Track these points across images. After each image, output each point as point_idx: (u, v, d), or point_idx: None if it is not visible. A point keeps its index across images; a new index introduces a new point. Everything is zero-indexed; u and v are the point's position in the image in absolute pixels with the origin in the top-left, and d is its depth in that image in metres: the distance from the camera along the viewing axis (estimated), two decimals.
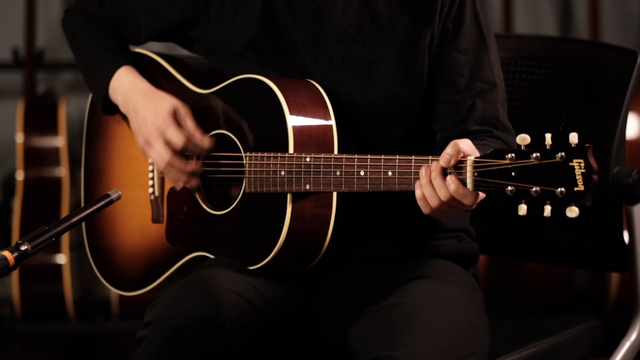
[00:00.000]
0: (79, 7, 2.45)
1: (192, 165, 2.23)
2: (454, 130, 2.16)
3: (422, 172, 1.93)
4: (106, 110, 2.35)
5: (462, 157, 1.90)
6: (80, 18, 2.42)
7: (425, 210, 1.96)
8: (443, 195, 1.92)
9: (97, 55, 2.36)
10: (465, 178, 1.88)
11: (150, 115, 2.24)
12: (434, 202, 1.94)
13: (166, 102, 2.24)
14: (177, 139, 2.21)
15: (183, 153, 2.23)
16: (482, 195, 1.91)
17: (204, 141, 2.22)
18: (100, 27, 2.39)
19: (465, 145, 1.91)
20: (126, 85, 2.30)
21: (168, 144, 2.22)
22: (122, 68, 2.31)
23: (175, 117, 2.23)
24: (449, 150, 1.91)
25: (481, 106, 2.15)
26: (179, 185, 2.26)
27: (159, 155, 2.22)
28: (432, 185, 1.93)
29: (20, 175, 4.19)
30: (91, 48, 2.37)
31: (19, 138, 4.21)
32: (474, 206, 1.93)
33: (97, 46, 2.36)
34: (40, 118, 4.26)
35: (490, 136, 2.14)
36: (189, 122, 2.23)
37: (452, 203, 1.92)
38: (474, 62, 2.16)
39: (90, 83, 2.39)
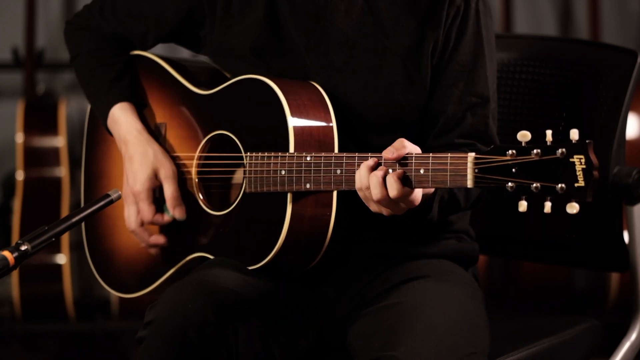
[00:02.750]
0: (81, 23, 2.44)
1: (156, 239, 2.29)
2: (438, 139, 2.17)
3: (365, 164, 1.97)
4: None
5: (406, 154, 1.93)
6: (80, 38, 2.42)
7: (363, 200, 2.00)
8: (373, 185, 1.95)
9: (94, 86, 2.38)
10: (405, 173, 1.92)
11: (132, 176, 2.28)
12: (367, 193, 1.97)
13: (148, 166, 2.27)
14: (146, 215, 2.27)
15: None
16: (413, 195, 1.94)
17: (176, 211, 2.26)
18: (100, 50, 2.39)
19: (412, 146, 1.96)
20: (120, 129, 2.33)
21: (138, 214, 2.27)
22: (117, 106, 2.33)
23: (156, 180, 2.27)
24: (395, 144, 1.95)
25: (470, 120, 2.17)
26: (141, 245, 2.32)
27: (129, 219, 2.29)
28: (367, 172, 1.96)
29: (20, 175, 4.19)
30: (89, 77, 2.39)
31: (19, 138, 4.21)
32: (403, 203, 1.95)
33: (94, 76, 2.38)
34: (40, 118, 4.26)
35: (472, 149, 2.15)
36: (168, 187, 2.26)
37: (382, 197, 1.95)
38: (469, 75, 2.17)
39: (93, 110, 2.43)
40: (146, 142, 2.30)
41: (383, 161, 1.96)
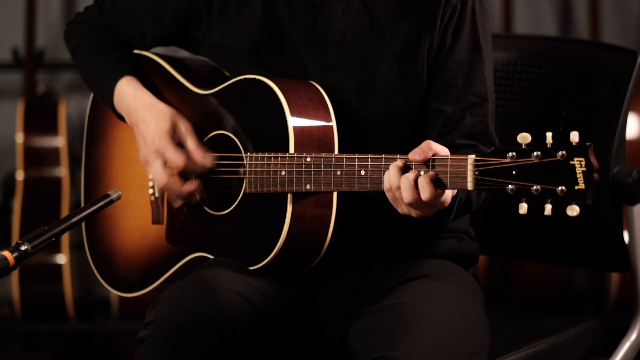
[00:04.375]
0: (80, 19, 2.44)
1: (190, 186, 2.23)
2: (439, 139, 2.17)
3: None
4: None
5: (432, 156, 1.92)
6: (81, 30, 2.42)
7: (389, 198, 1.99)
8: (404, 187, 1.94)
9: (98, 67, 2.36)
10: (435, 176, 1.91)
11: (149, 134, 2.24)
12: (396, 194, 1.96)
13: (166, 119, 2.24)
14: (177, 160, 2.21)
15: (183, 173, 2.23)
16: (444, 197, 1.93)
17: (205, 160, 2.22)
18: (101, 37, 2.39)
19: (439, 147, 1.94)
20: (128, 99, 2.30)
21: (167, 164, 2.22)
22: (123, 79, 2.31)
23: (175, 134, 2.23)
24: (422, 145, 1.94)
25: (470, 120, 2.16)
26: (177, 204, 2.26)
27: (157, 175, 2.23)
28: (397, 173, 1.95)
29: (20, 175, 4.19)
30: (93, 60, 2.38)
31: (19, 138, 4.21)
32: (434, 205, 1.94)
33: (98, 58, 2.36)
34: (40, 118, 4.26)
35: (474, 151, 2.15)
36: (190, 140, 2.23)
37: (413, 197, 1.93)
38: (467, 74, 2.17)
39: (97, 95, 2.40)
40: (159, 104, 2.27)
41: (412, 164, 1.94)
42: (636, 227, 2.40)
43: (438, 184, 1.91)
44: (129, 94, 2.30)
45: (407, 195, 1.93)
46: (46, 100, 4.37)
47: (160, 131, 2.23)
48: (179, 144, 2.23)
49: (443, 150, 1.94)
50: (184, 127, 2.24)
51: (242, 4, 2.23)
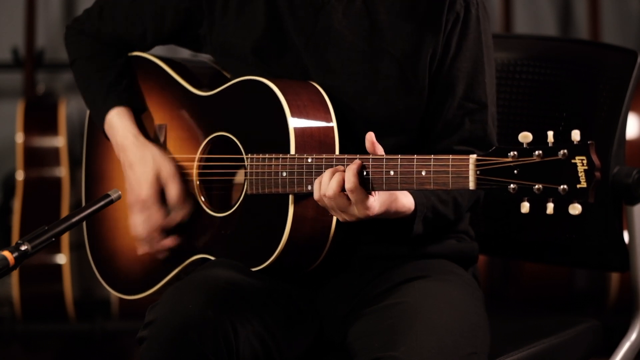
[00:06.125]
0: (80, 27, 2.44)
1: (167, 242, 2.27)
2: (437, 144, 2.18)
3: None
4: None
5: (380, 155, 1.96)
6: (80, 43, 2.43)
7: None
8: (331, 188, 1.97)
9: (92, 92, 2.38)
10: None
11: (136, 182, 2.27)
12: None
13: (150, 168, 2.26)
14: (158, 218, 2.25)
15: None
16: (369, 202, 1.95)
17: (183, 212, 2.25)
18: (97, 55, 2.39)
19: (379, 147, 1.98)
20: (116, 136, 2.33)
21: (148, 220, 2.26)
22: (113, 111, 2.33)
23: (159, 181, 2.26)
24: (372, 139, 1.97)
25: (469, 126, 2.18)
26: (141, 251, 2.31)
27: (138, 227, 2.27)
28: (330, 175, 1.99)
29: (20, 175, 4.19)
30: (88, 82, 2.39)
31: (19, 138, 4.21)
32: (356, 207, 1.97)
33: (93, 81, 2.38)
34: (40, 118, 4.26)
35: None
36: (172, 188, 2.25)
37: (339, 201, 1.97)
38: (469, 82, 2.18)
39: (91, 116, 2.43)
40: (143, 146, 2.30)
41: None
42: (636, 227, 2.40)
43: (363, 183, 1.94)
44: (118, 128, 2.32)
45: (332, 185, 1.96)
46: (46, 100, 4.37)
47: (145, 184, 2.26)
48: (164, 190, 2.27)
49: (381, 149, 1.98)
50: (166, 174, 2.27)
51: (244, 4, 2.23)
